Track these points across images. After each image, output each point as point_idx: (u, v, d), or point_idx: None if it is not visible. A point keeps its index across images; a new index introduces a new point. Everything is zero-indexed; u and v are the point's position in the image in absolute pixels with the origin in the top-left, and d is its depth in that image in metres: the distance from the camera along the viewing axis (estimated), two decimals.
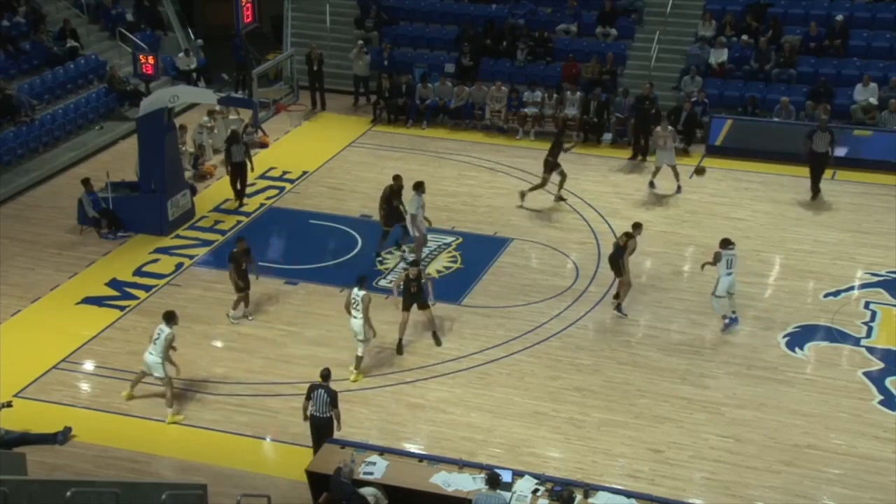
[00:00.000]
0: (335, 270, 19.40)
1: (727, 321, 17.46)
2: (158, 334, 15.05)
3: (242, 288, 17.56)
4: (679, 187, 22.31)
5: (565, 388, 15.98)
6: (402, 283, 16.85)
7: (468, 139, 25.55)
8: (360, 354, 16.15)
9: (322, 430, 13.89)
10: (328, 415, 13.81)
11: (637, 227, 18.21)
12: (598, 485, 12.96)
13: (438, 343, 17.01)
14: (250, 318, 17.77)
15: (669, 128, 22.49)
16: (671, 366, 16.51)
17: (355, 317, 15.95)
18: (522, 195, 21.73)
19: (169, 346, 15.07)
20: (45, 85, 25.37)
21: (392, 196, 19.47)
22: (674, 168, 22.25)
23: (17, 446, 13.76)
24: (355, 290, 16.00)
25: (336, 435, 13.92)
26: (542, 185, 21.78)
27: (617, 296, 18.09)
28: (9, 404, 14.65)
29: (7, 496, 9.47)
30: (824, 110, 24.01)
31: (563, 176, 21.76)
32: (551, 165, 21.60)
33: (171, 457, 14.58)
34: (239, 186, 21.93)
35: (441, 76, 26.91)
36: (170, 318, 15.25)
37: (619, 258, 17.88)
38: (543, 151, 24.53)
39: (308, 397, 13.88)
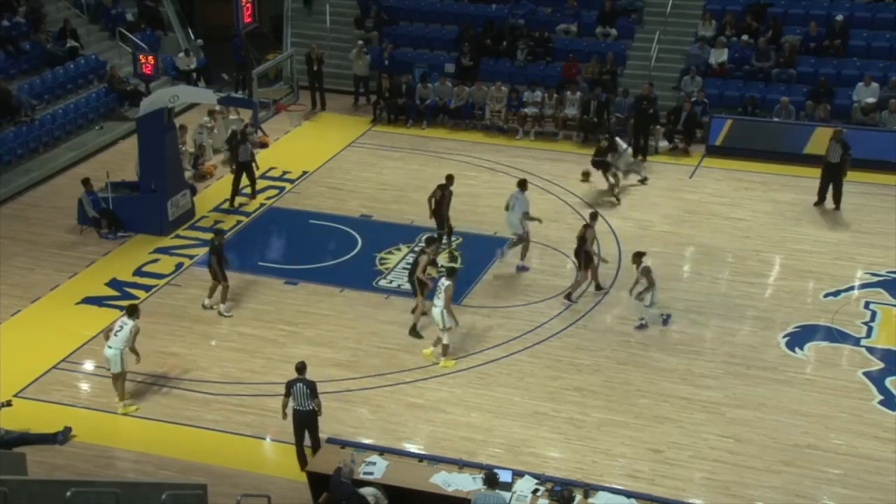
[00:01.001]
0: (335, 270, 19.41)
1: (644, 322, 17.45)
2: (121, 327, 15.09)
3: (222, 279, 17.70)
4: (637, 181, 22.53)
5: (565, 388, 15.98)
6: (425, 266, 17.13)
7: (468, 139, 25.55)
8: (445, 342, 16.38)
9: (305, 422, 13.93)
10: (310, 407, 13.84)
11: (593, 217, 18.57)
12: (598, 485, 12.95)
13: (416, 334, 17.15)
14: (224, 313, 17.85)
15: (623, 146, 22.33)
16: (671, 366, 16.50)
17: (436, 305, 16.15)
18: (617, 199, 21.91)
19: (133, 338, 15.08)
20: (45, 85, 25.37)
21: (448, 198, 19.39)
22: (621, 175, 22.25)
23: (17, 446, 13.76)
24: (441, 279, 16.33)
25: (332, 431, 13.91)
26: (615, 184, 21.92)
27: (596, 285, 18.48)
28: (8, 403, 14.67)
29: (7, 496, 9.46)
30: (824, 110, 24.04)
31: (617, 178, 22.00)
32: (601, 166, 21.82)
33: (172, 457, 14.56)
34: (250, 184, 22.16)
35: (441, 76, 26.91)
36: (132, 311, 15.34)
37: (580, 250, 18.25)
38: (544, 151, 24.76)
39: (287, 394, 13.89)
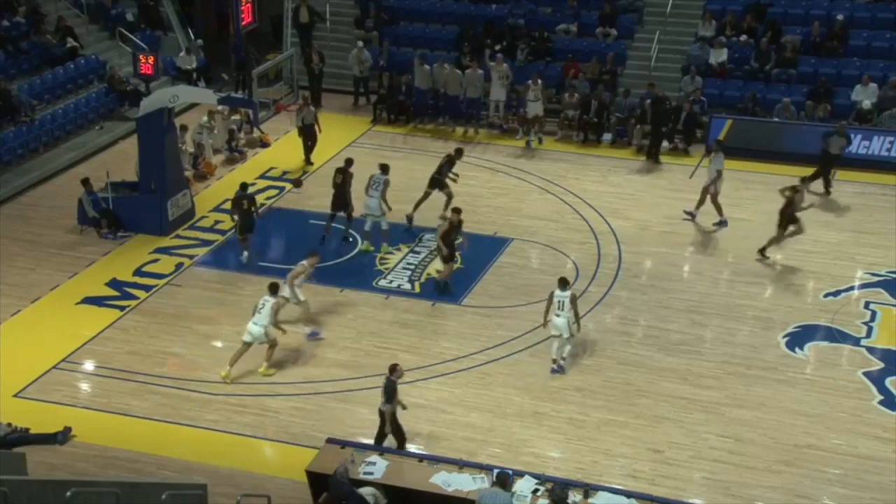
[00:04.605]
0: (335, 270, 19.40)
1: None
2: (263, 304, 15.92)
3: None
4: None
5: (565, 388, 15.97)
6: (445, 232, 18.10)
7: (468, 139, 25.54)
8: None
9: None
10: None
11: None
12: (598, 485, 12.96)
13: (440, 291, 18.39)
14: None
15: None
16: (671, 366, 16.50)
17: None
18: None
19: (276, 313, 15.95)
20: (45, 85, 25.35)
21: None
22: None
23: (17, 446, 13.74)
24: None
25: (332, 431, 13.89)
26: (423, 199, 20.97)
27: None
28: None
29: (7, 496, 9.46)
30: (824, 110, 24.06)
31: (449, 197, 20.89)
32: (436, 182, 20.96)
33: (172, 457, 14.56)
34: (307, 150, 23.88)
35: (439, 61, 26.62)
36: (274, 289, 16.20)
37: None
38: (544, 151, 24.75)
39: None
